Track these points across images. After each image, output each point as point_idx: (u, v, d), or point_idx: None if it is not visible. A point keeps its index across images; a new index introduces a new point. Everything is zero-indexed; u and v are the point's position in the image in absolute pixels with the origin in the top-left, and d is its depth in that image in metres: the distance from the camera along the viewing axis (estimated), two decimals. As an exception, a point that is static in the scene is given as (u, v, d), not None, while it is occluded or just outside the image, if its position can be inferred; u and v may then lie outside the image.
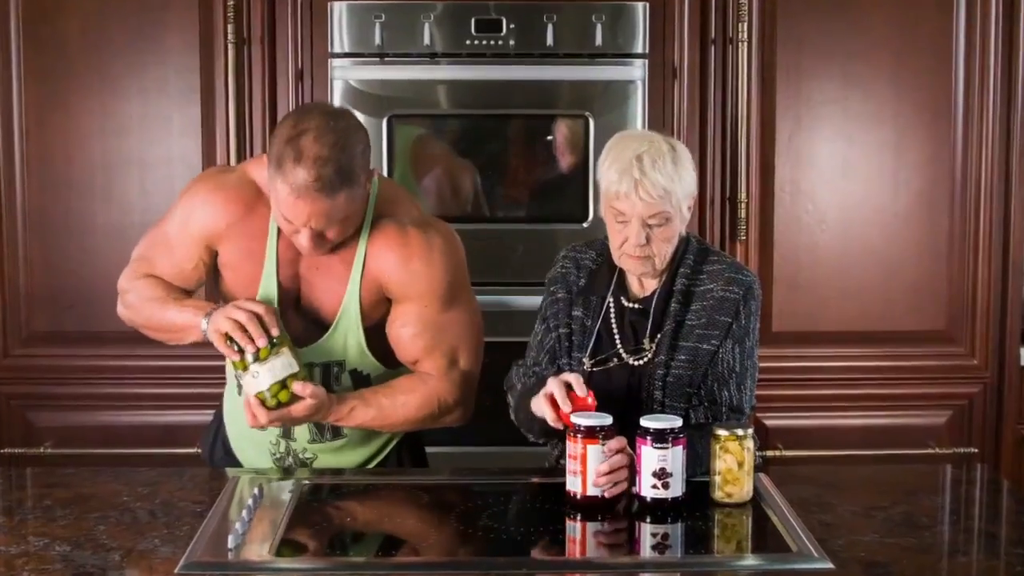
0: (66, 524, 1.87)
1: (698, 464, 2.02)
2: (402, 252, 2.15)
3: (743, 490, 1.95)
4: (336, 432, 2.26)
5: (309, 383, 2.08)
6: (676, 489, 1.91)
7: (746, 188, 3.11)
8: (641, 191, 2.06)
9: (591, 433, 1.90)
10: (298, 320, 2.20)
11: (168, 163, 3.12)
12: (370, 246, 2.16)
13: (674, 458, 1.90)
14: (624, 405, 2.13)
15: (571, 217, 3.08)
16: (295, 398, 2.07)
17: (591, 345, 2.19)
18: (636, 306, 2.20)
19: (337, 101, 3.02)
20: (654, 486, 1.90)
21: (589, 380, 2.17)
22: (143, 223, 3.09)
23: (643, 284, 2.21)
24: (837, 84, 3.14)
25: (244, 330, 2.05)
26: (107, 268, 3.09)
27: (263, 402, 2.07)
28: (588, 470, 1.89)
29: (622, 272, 2.21)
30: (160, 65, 3.09)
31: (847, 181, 3.17)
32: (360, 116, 2.95)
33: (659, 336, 2.16)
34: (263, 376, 2.06)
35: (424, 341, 2.19)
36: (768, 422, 3.17)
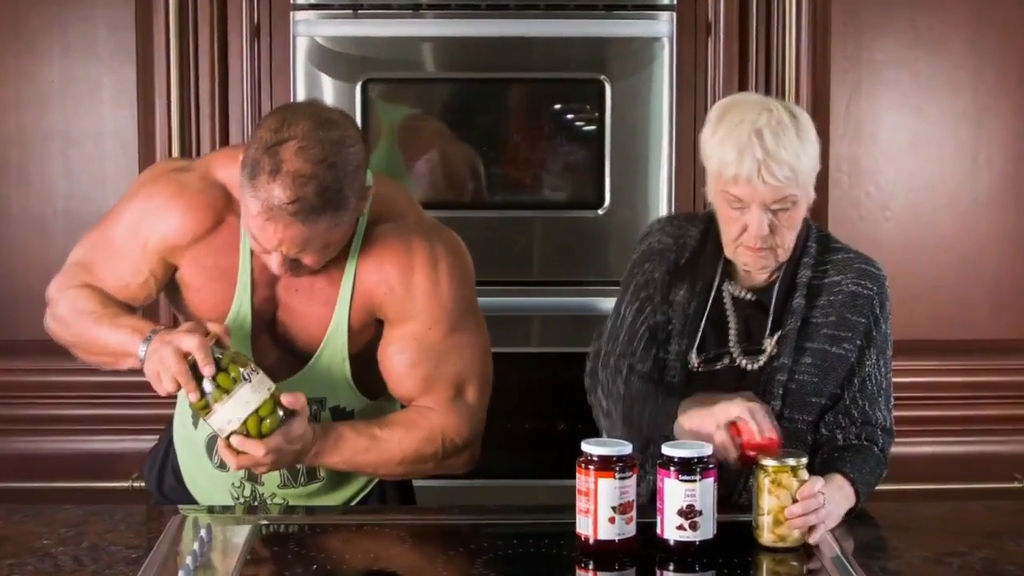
0: (-27, 573, 1.88)
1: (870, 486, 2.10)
2: (403, 264, 2.14)
3: (797, 532, 1.95)
4: (311, 475, 2.26)
5: (299, 393, 2.06)
6: (706, 530, 1.91)
7: (795, 167, 3.11)
8: (765, 173, 2.06)
9: (606, 464, 1.91)
10: (273, 351, 2.19)
11: (97, 138, 3.12)
12: (363, 259, 2.14)
13: (703, 493, 1.90)
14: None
15: (584, 203, 3.08)
16: (284, 421, 2.04)
17: (699, 337, 2.20)
18: (749, 297, 2.21)
19: (301, 62, 3.02)
20: (680, 527, 1.90)
21: (689, 381, 2.18)
22: (68, 210, 3.11)
23: (753, 273, 2.22)
24: (904, 42, 3.14)
25: (188, 366, 2.00)
26: (24, 265, 3.11)
27: (247, 435, 2.02)
28: (600, 508, 1.90)
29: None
30: (87, 20, 3.10)
31: (916, 159, 3.17)
32: (329, 81, 3.00)
33: (779, 334, 2.18)
34: (235, 409, 2.01)
35: (424, 371, 2.18)
36: (821, 450, 3.18)
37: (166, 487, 2.38)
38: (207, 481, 2.31)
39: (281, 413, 2.04)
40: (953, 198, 3.18)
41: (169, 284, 2.22)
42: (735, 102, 2.17)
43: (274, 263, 2.04)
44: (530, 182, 3.13)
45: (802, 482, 1.94)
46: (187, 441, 2.33)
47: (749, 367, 2.20)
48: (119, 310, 2.18)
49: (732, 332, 2.21)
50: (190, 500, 2.34)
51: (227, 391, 2.00)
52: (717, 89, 3.09)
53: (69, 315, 2.20)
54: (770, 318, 2.19)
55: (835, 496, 2.01)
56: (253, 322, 2.17)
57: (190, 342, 1.99)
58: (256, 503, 2.28)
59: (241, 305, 2.16)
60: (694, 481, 1.90)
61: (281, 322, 2.20)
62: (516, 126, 3.14)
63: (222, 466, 2.22)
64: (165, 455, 2.40)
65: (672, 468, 1.91)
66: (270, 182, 1.95)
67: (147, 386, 2.98)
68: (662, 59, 3.04)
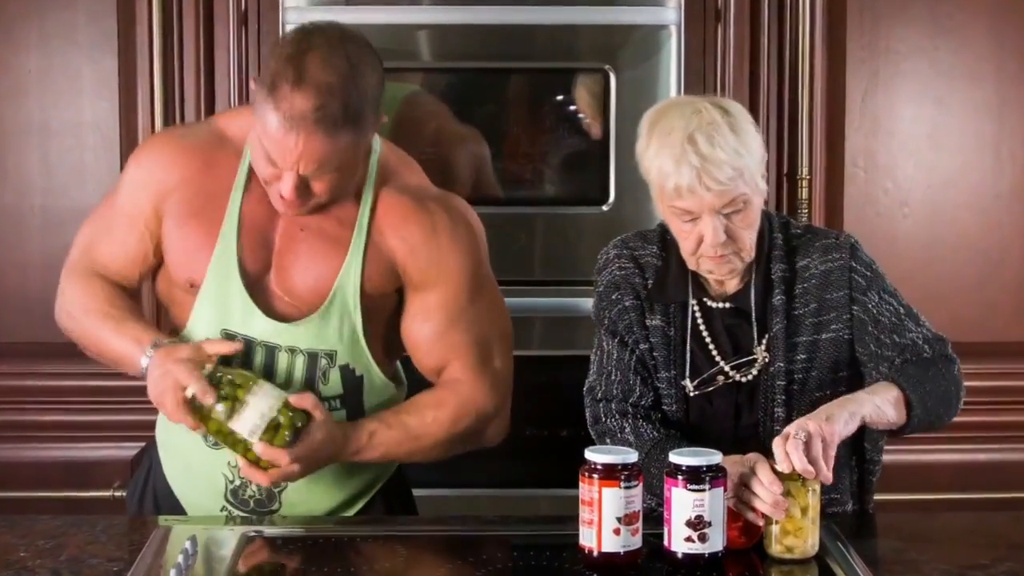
0: (-53, 587, 1.88)
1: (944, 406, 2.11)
2: (424, 224, 2.20)
3: (807, 543, 1.95)
4: None
5: (307, 393, 2.12)
6: (716, 542, 1.91)
7: (808, 162, 3.11)
8: (707, 179, 2.05)
9: (610, 473, 1.91)
10: (272, 300, 2.21)
11: (77, 130, 3.12)
12: (380, 213, 2.20)
13: (713, 503, 1.91)
14: (732, 434, 2.15)
15: (587, 198, 3.08)
16: (301, 428, 2.08)
17: (688, 362, 2.20)
18: (726, 305, 2.21)
19: (291, 52, 3.02)
20: (688, 539, 1.91)
21: (687, 406, 2.19)
22: (45, 206, 3.11)
23: (722, 279, 2.22)
24: (924, 30, 3.14)
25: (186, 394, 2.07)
26: (0, 263, 3.11)
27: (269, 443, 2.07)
28: (604, 519, 1.90)
29: None
30: (66, 7, 3.09)
31: (935, 153, 3.17)
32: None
33: (766, 339, 2.18)
34: (249, 419, 2.06)
35: (453, 339, 2.22)
36: (837, 458, 3.18)
37: (145, 511, 2.38)
38: (195, 479, 2.31)
39: (298, 422, 2.08)
40: (975, 194, 3.18)
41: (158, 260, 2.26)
42: (663, 110, 2.16)
43: (285, 186, 2.08)
44: (531, 177, 3.13)
45: (813, 491, 1.94)
46: (173, 440, 2.33)
47: (744, 379, 2.19)
48: (124, 312, 2.22)
49: (719, 348, 2.20)
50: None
51: (237, 404, 2.05)
52: (727, 80, 3.09)
53: (76, 311, 2.25)
54: (754, 324, 2.19)
55: (860, 397, 2.02)
56: (244, 266, 2.19)
57: (185, 375, 2.06)
58: (251, 485, 2.27)
59: (226, 245, 2.18)
60: (703, 491, 1.90)
61: (282, 268, 2.21)
62: (516, 118, 3.14)
63: (216, 444, 2.23)
64: (147, 475, 2.41)
65: (680, 477, 1.91)
66: (293, 91, 2.01)
67: (128, 391, 2.99)
68: (669, 48, 3.04)
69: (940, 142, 3.17)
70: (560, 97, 3.11)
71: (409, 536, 2.13)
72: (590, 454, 1.93)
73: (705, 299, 2.22)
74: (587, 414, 2.28)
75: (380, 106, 2.12)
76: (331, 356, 2.22)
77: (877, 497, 3.11)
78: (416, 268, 2.21)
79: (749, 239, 2.14)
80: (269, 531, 2.13)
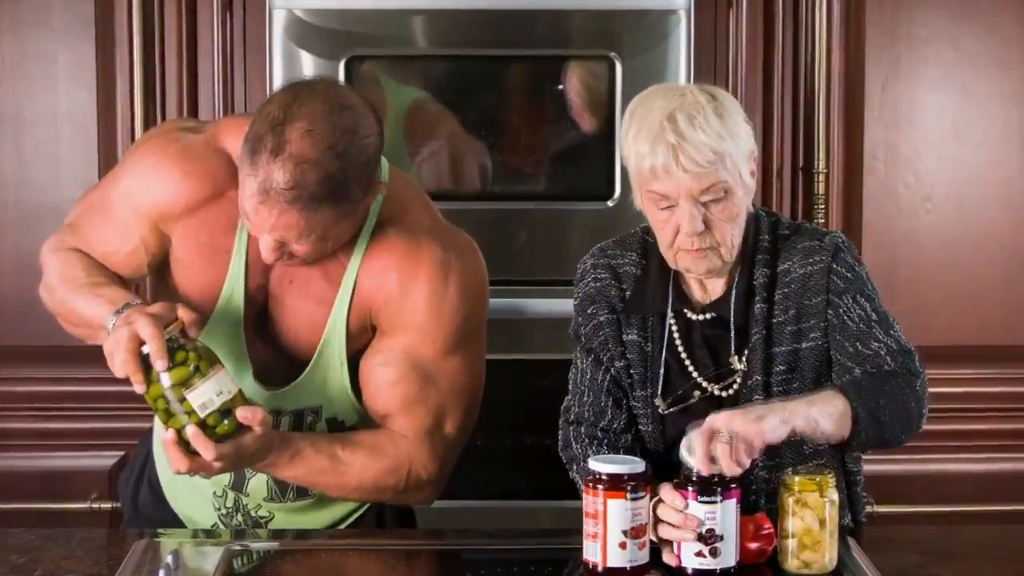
0: (-85, 604, 1.88)
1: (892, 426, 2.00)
2: (408, 270, 2.15)
3: (825, 557, 1.95)
4: (301, 491, 2.26)
5: (257, 408, 2.06)
6: (727, 557, 1.91)
7: (825, 154, 3.12)
8: (684, 160, 2.04)
9: (616, 483, 1.91)
10: (263, 347, 2.20)
11: (52, 120, 3.12)
12: (367, 260, 2.15)
13: (725, 516, 1.90)
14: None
15: (591, 193, 3.08)
16: (239, 429, 2.04)
17: (661, 378, 2.19)
18: (707, 316, 2.20)
19: (279, 37, 3.02)
20: (699, 553, 1.91)
21: (663, 424, 2.17)
22: (19, 201, 3.11)
23: (706, 286, 2.20)
24: (947, 14, 3.14)
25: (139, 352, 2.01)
26: (-29, 262, 3.11)
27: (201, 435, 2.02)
28: (609, 532, 1.90)
29: (676, 275, 2.21)
30: (41, -10, 3.11)
31: (960, 145, 3.17)
32: (309, 59, 3.00)
33: (747, 351, 2.16)
34: (206, 392, 2.01)
35: (406, 390, 2.18)
36: (855, 467, 3.19)
37: (141, 501, 2.40)
38: (188, 487, 2.31)
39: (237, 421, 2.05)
40: (1002, 188, 3.18)
41: (161, 264, 2.23)
42: (648, 94, 2.14)
43: (264, 248, 2.05)
44: (531, 171, 3.13)
45: (831, 502, 1.94)
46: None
47: (724, 394, 2.17)
48: (103, 280, 2.18)
49: (695, 361, 2.18)
50: (166, 515, 2.35)
51: (198, 374, 2.00)
52: (739, 68, 3.09)
53: (54, 281, 2.21)
54: (732, 333, 2.16)
55: (795, 407, 1.94)
56: (247, 310, 2.18)
57: (147, 331, 1.99)
58: (239, 513, 2.28)
59: (234, 290, 2.17)
60: (715, 503, 1.90)
61: (270, 316, 2.21)
62: (516, 109, 3.14)
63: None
64: (142, 468, 2.42)
65: (691, 488, 1.91)
66: (270, 162, 1.97)
67: (108, 397, 3.00)
68: (678, 34, 3.04)
69: (965, 133, 3.17)
70: (562, 86, 3.11)
71: (404, 550, 2.13)
72: (595, 464, 1.93)
73: (685, 310, 2.20)
74: (559, 436, 2.27)
75: (373, 175, 2.07)
76: (317, 411, 2.22)
77: (895, 509, 3.14)
78: (388, 311, 2.16)
79: (729, 233, 2.11)
80: (255, 545, 2.13)
